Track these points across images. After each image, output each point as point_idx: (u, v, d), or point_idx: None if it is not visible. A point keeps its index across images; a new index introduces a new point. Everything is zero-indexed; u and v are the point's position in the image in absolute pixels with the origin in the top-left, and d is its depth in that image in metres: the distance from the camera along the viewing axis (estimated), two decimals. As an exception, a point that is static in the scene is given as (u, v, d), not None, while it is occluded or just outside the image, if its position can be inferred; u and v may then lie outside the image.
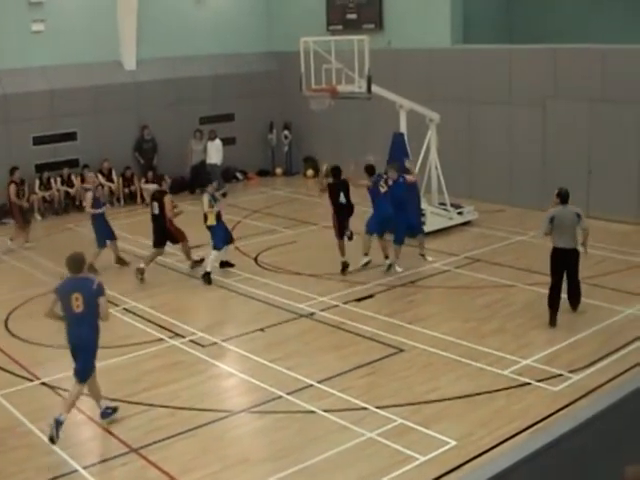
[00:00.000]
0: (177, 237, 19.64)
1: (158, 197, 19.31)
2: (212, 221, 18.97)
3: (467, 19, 26.65)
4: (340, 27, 28.93)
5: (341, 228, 19.00)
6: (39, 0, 26.71)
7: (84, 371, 12.24)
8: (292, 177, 31.51)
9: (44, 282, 19.30)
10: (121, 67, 28.91)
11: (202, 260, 19.79)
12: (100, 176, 26.80)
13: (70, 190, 26.56)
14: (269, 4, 32.23)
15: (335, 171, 19.04)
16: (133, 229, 23.77)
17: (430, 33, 26.55)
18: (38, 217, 26.14)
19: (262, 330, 15.74)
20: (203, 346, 15.31)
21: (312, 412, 12.53)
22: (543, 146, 24.10)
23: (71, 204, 26.93)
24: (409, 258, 20.00)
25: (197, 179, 27.77)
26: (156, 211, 19.30)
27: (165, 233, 19.47)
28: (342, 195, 18.82)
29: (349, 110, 25.84)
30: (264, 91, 31.65)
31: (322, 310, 16.81)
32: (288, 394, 13.11)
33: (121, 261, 20.72)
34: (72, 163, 27.13)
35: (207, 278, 18.88)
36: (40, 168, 26.69)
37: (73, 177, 26.87)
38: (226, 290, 16.50)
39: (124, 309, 17.38)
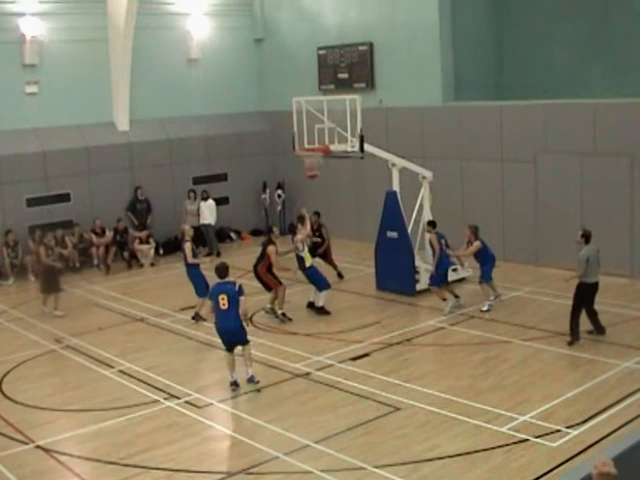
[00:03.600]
0: (270, 285, 20.50)
1: (264, 244, 20.49)
2: (310, 261, 20.66)
3: (458, 76, 26.87)
4: (332, 86, 29.20)
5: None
6: (33, 62, 26.94)
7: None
8: (286, 237, 31.49)
9: (37, 344, 19.34)
10: (114, 128, 29.08)
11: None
12: (93, 235, 26.86)
13: (64, 252, 26.50)
14: (261, 64, 32.52)
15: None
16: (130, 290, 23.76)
17: (421, 91, 26.75)
18: (32, 278, 26.13)
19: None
20: (199, 407, 15.22)
21: (309, 472, 12.42)
22: (535, 201, 24.20)
23: (65, 265, 26.89)
24: (405, 316, 20.05)
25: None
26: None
27: (259, 279, 20.56)
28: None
29: (342, 169, 25.97)
30: (257, 151, 31.85)
31: (318, 369, 16.74)
32: (285, 455, 13.00)
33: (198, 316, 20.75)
34: (66, 224, 27.14)
35: (324, 310, 20.60)
36: (34, 230, 26.72)
37: (67, 239, 26.83)
38: (221, 350, 16.43)
39: (119, 371, 17.30)
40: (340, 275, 23.92)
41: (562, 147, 23.38)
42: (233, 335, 15.81)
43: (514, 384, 15.49)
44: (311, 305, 21.04)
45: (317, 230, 23.50)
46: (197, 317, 20.54)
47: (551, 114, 23.74)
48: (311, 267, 20.77)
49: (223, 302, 15.50)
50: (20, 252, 26.18)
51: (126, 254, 27.58)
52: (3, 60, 26.47)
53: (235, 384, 15.85)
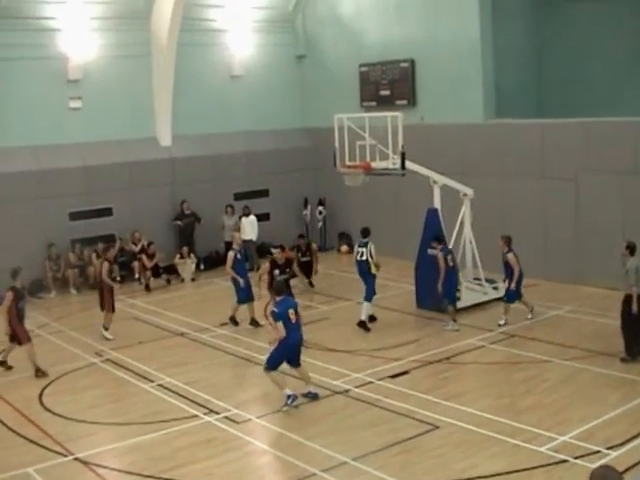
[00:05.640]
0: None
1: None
2: (375, 270, 20.86)
3: (499, 93, 26.81)
4: (374, 103, 29.23)
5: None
6: (76, 77, 27.24)
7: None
8: (326, 253, 31.57)
9: (78, 356, 19.45)
10: (157, 143, 29.29)
11: None
12: (144, 257, 26.96)
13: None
14: (303, 80, 32.64)
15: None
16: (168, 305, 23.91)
17: (463, 108, 26.72)
18: (74, 292, 26.36)
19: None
20: (237, 423, 15.23)
21: (347, 490, 12.41)
22: (576, 219, 24.06)
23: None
24: (444, 334, 20.04)
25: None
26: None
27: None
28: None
29: (383, 186, 25.96)
30: (298, 167, 31.92)
31: (357, 387, 16.69)
32: (323, 471, 12.96)
33: (254, 322, 21.24)
34: (107, 238, 27.28)
35: (364, 325, 20.68)
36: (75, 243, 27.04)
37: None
38: (260, 366, 16.44)
39: (159, 385, 17.36)
40: (311, 284, 25.53)
41: (603, 165, 23.23)
42: (300, 346, 16.13)
43: (554, 404, 15.37)
44: (363, 323, 20.97)
45: (306, 250, 25.39)
46: (233, 321, 21.47)
47: (592, 132, 23.61)
48: (374, 275, 21.00)
49: (292, 316, 15.70)
50: (62, 265, 26.40)
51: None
52: (47, 75, 26.77)
53: (295, 396, 15.72)
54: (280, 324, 15.43)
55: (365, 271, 21.10)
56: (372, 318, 21.29)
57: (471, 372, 17.71)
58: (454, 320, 20.56)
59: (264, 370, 15.78)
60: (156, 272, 27.27)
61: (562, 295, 22.93)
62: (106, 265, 20.99)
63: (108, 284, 20.93)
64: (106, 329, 20.93)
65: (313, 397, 16.10)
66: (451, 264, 20.69)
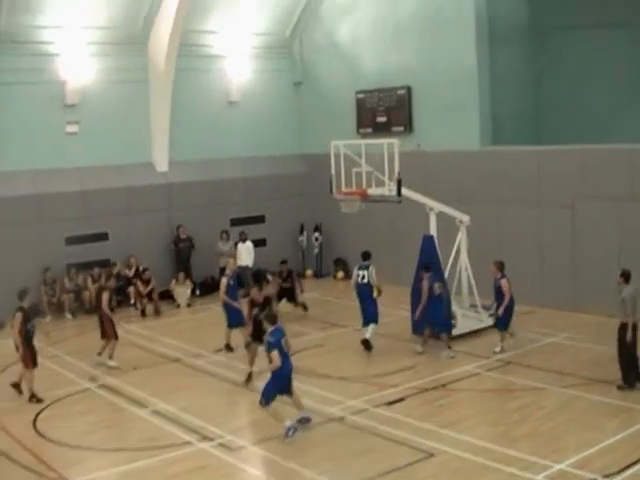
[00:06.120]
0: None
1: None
2: (377, 294, 21.06)
3: (496, 120, 26.90)
4: (370, 130, 29.31)
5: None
6: (74, 102, 27.27)
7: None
8: (322, 279, 31.57)
9: (73, 381, 19.38)
10: (153, 168, 29.32)
11: None
12: (139, 283, 26.88)
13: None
14: (300, 107, 32.71)
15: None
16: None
17: (459, 135, 26.78)
18: (69, 316, 26.30)
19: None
20: (232, 450, 15.16)
21: (342, 518, 12.34)
22: (573, 246, 24.08)
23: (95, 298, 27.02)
24: (440, 361, 20.01)
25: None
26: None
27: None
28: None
29: (379, 212, 25.95)
30: (295, 193, 31.97)
31: (352, 414, 16.63)
32: (317, 499, 12.92)
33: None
34: (103, 263, 27.28)
35: (367, 344, 20.99)
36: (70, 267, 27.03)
37: (104, 277, 26.89)
38: (255, 393, 16.38)
39: (153, 411, 17.29)
40: (305, 307, 25.63)
41: (600, 192, 23.28)
42: (292, 374, 15.99)
43: (550, 431, 15.32)
44: (367, 342, 21.21)
45: (287, 277, 25.47)
46: (228, 347, 21.47)
47: (588, 159, 23.68)
48: (375, 299, 21.20)
49: (287, 345, 15.68)
50: (58, 290, 26.36)
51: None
52: (45, 100, 26.80)
53: (295, 427, 15.51)
54: (275, 353, 15.27)
55: (367, 294, 21.19)
56: (368, 345, 21.27)
57: (467, 399, 17.64)
58: (449, 347, 20.57)
59: (261, 406, 15.50)
60: (150, 298, 27.07)
61: (558, 322, 22.91)
62: (106, 295, 20.76)
63: (107, 314, 20.73)
64: (110, 357, 20.66)
65: (306, 421, 16.03)
66: (438, 292, 20.70)
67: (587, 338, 21.13)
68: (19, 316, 18.14)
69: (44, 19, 26.26)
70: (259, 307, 19.41)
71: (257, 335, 18.60)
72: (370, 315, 21.25)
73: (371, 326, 21.18)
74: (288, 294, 25.42)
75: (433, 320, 20.78)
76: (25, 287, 19.04)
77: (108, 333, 20.70)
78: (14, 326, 18.15)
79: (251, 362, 18.83)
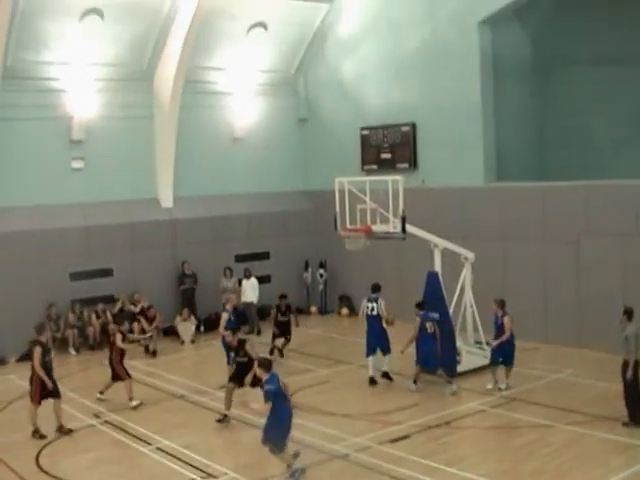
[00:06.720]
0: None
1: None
2: (387, 325, 21.36)
3: (500, 156, 26.96)
4: (375, 166, 29.38)
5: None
6: (79, 138, 27.38)
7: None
8: (327, 316, 31.53)
9: (76, 418, 19.29)
10: (158, 204, 29.37)
11: None
12: (143, 320, 26.73)
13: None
14: (305, 144, 32.81)
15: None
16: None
17: (463, 172, 26.83)
18: (73, 352, 26.24)
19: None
20: (235, 487, 15.09)
21: None
22: (577, 282, 24.05)
23: (106, 340, 26.93)
24: (445, 398, 19.91)
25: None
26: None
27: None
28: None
29: (384, 249, 25.93)
30: (299, 230, 31.99)
31: (356, 451, 16.52)
32: (321, 537, 12.82)
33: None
34: (107, 299, 27.29)
35: (387, 376, 21.42)
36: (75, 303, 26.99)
37: (108, 313, 26.99)
38: (259, 430, 16.28)
39: (157, 448, 17.19)
40: (281, 353, 24.83)
41: (605, 228, 23.28)
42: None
43: (556, 469, 15.22)
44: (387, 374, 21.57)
45: (286, 311, 24.96)
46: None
47: (593, 195, 23.72)
48: (385, 330, 21.47)
49: (286, 389, 15.37)
50: (62, 325, 26.34)
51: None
52: (51, 136, 26.95)
53: (303, 469, 15.32)
54: (270, 404, 14.81)
55: (376, 326, 21.36)
56: (372, 380, 21.31)
57: (472, 437, 17.56)
58: (449, 382, 20.53)
59: (275, 454, 15.13)
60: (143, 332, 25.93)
61: (564, 358, 22.84)
62: (119, 337, 20.76)
63: (120, 347, 20.64)
64: (131, 399, 20.33)
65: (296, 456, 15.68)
66: (431, 331, 20.68)
67: (592, 374, 21.04)
68: (38, 350, 18.08)
69: (50, 55, 26.44)
70: (234, 350, 19.45)
71: (236, 377, 18.75)
72: (383, 347, 21.45)
73: (385, 358, 21.46)
74: (283, 328, 25.20)
75: (423, 357, 20.82)
76: (43, 321, 19.24)
77: (121, 374, 20.53)
78: (34, 360, 18.04)
79: (227, 405, 18.76)
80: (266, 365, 15.24)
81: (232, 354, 19.88)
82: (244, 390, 18.73)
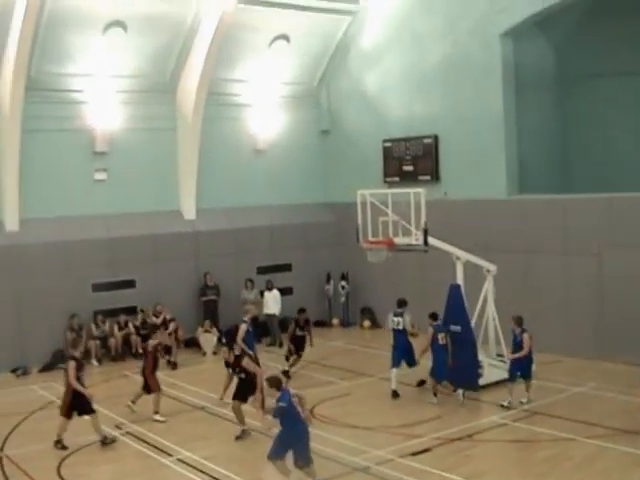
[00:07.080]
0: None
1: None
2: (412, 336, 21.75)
3: (522, 168, 26.89)
4: (397, 179, 29.37)
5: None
6: (103, 150, 27.54)
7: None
8: (349, 328, 31.51)
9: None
10: (181, 216, 29.46)
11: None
12: (154, 318, 26.91)
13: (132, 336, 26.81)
14: (327, 156, 32.84)
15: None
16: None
17: (486, 184, 26.79)
18: (95, 363, 26.31)
19: None
20: (256, 499, 15.08)
21: None
22: (600, 295, 23.96)
23: (128, 351, 27.07)
24: (467, 411, 19.83)
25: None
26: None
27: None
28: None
29: (406, 261, 25.89)
30: (321, 242, 32.00)
31: (377, 464, 16.46)
32: None
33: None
34: (130, 310, 27.39)
35: (423, 383, 21.90)
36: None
37: (130, 324, 27.11)
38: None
39: (178, 459, 17.20)
40: (287, 374, 23.62)
41: (628, 240, 23.20)
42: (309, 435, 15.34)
43: (578, 483, 15.17)
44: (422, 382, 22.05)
45: (304, 325, 24.33)
46: None
47: (615, 207, 23.67)
48: (410, 343, 21.77)
49: (299, 403, 15.25)
50: (84, 336, 26.41)
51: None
52: (74, 147, 27.14)
53: None
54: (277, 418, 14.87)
55: (403, 339, 21.53)
56: (395, 393, 21.34)
57: (493, 450, 17.47)
58: (454, 392, 20.70)
59: (301, 468, 15.06)
60: (168, 350, 25.35)
61: (586, 372, 22.72)
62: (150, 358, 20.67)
63: (155, 358, 20.69)
64: (156, 412, 20.35)
65: None
66: (443, 342, 20.77)
67: (614, 388, 20.93)
68: (72, 364, 18.14)
69: (74, 67, 26.63)
70: (231, 367, 19.45)
71: (238, 394, 18.77)
72: (409, 360, 21.69)
73: (412, 370, 21.76)
74: (300, 343, 24.61)
75: (434, 368, 20.89)
76: (78, 336, 19.14)
77: (154, 386, 20.53)
78: (69, 375, 18.08)
79: (241, 421, 18.71)
80: (276, 383, 15.10)
81: (229, 370, 19.93)
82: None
